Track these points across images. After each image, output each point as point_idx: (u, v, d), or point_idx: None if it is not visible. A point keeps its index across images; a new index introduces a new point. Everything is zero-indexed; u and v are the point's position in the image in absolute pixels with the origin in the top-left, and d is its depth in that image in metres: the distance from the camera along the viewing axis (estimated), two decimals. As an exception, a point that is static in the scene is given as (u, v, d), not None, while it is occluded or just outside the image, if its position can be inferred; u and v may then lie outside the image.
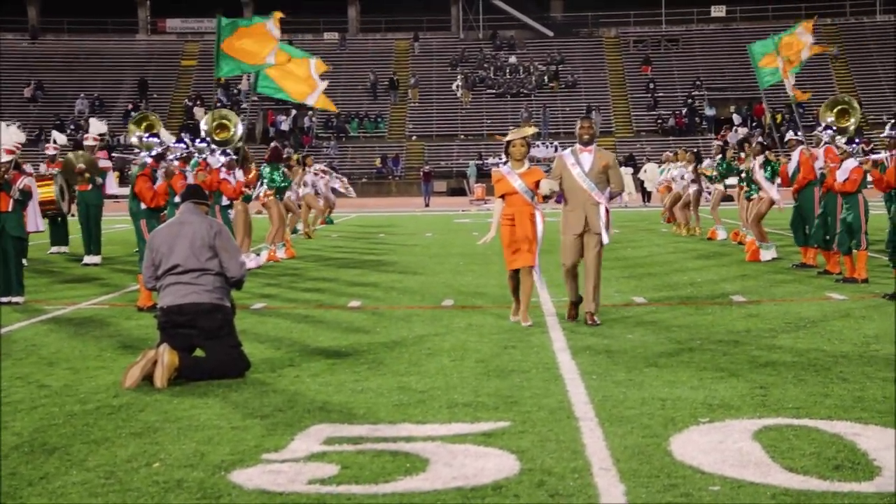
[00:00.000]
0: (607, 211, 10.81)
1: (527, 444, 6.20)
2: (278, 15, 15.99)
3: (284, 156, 22.76)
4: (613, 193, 10.98)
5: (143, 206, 13.00)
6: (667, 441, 6.21)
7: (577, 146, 10.94)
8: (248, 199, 17.70)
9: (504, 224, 10.77)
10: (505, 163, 11.02)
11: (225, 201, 16.25)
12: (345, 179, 31.50)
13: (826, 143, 15.51)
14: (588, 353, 9.19)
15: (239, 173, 16.73)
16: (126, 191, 14.33)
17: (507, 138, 10.90)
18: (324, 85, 16.36)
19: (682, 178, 24.16)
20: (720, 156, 22.89)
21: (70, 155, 19.81)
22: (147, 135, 13.66)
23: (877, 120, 55.85)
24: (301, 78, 16.18)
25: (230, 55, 15.67)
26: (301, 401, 7.44)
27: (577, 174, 10.73)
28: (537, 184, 10.65)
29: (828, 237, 14.64)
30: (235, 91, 65.37)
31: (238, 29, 15.87)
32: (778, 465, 5.71)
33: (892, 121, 13.10)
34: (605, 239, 10.73)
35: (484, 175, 50.78)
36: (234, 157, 16.76)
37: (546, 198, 10.76)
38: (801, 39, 18.41)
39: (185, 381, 8.03)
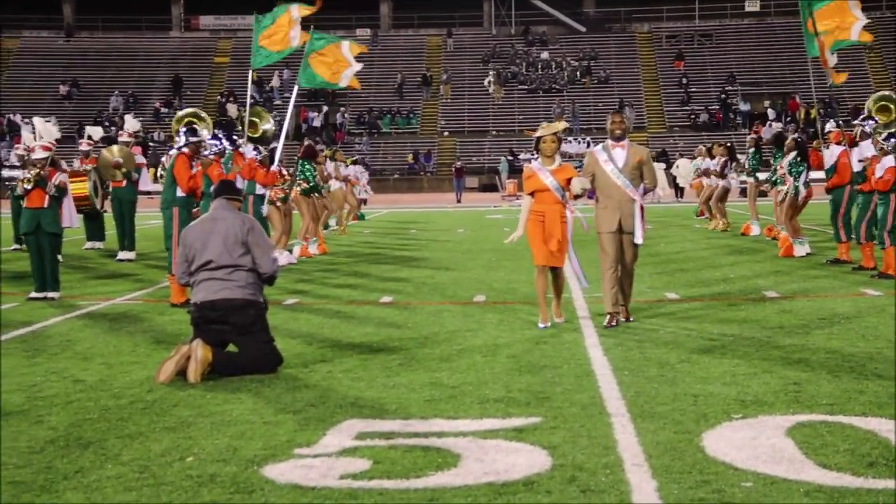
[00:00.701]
0: (641, 208, 10.44)
1: (558, 439, 6.20)
2: (306, 11, 16.11)
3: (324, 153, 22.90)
4: (647, 189, 10.58)
5: (178, 192, 12.95)
6: (699, 437, 6.19)
7: (609, 141, 10.51)
8: (284, 199, 17.76)
9: (532, 220, 10.49)
10: (536, 159, 10.74)
11: (260, 190, 16.32)
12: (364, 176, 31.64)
13: (868, 134, 15.39)
14: (620, 348, 9.17)
15: (273, 167, 16.80)
16: (160, 187, 14.39)
17: (537, 134, 10.57)
18: (358, 66, 16.39)
19: (714, 171, 24.03)
20: (753, 149, 22.83)
21: (105, 151, 19.93)
22: (184, 129, 13.70)
23: (913, 114, 55.22)
24: (333, 62, 16.25)
25: (263, 47, 15.85)
26: (333, 396, 7.47)
27: (610, 171, 10.35)
28: (569, 181, 10.38)
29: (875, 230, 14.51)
30: (268, 88, 65.63)
31: (271, 24, 16.02)
32: (811, 461, 5.68)
33: None
34: (639, 238, 10.38)
35: (516, 171, 50.74)
36: (266, 154, 16.85)
37: (577, 196, 10.44)
38: (852, 12, 16.65)
39: (218, 377, 8.08)
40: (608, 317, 10.38)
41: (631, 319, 10.62)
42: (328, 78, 16.42)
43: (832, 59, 16.51)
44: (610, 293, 10.35)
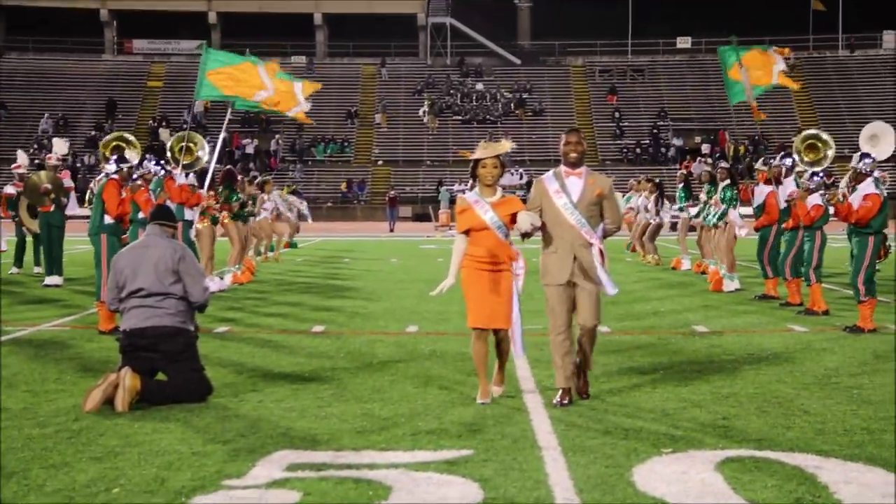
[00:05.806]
0: (602, 253, 8.21)
1: (490, 472, 6.19)
2: (273, 67, 15.95)
3: (249, 178, 22.73)
4: (609, 230, 8.37)
5: (106, 220, 12.84)
6: (629, 471, 6.22)
7: (563, 168, 8.31)
8: (214, 220, 17.67)
9: (470, 267, 8.19)
10: (472, 188, 8.44)
11: (188, 216, 16.18)
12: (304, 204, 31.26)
13: (790, 169, 15.67)
14: (551, 381, 9.16)
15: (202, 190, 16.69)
16: (87, 211, 14.21)
17: (475, 156, 8.22)
18: (307, 106, 16.24)
19: (646, 208, 24.30)
20: (682, 184, 23.16)
21: (33, 176, 19.66)
22: (114, 157, 13.58)
23: (839, 153, 56.27)
24: (283, 95, 16.07)
25: (213, 84, 15.55)
26: (263, 426, 7.40)
27: (562, 205, 8.16)
28: (513, 217, 8.12)
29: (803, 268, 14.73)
30: (202, 110, 65.22)
31: (226, 66, 15.70)
32: (740, 496, 5.73)
33: (858, 154, 13.16)
34: (610, 289, 8.18)
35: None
36: (195, 185, 16.69)
37: (525, 235, 8.05)
38: (773, 59, 17.30)
39: (147, 405, 7.97)
40: (560, 392, 8.22)
41: (588, 396, 8.50)
42: (273, 106, 16.20)
43: (752, 101, 16.91)
44: (561, 366, 8.23)
